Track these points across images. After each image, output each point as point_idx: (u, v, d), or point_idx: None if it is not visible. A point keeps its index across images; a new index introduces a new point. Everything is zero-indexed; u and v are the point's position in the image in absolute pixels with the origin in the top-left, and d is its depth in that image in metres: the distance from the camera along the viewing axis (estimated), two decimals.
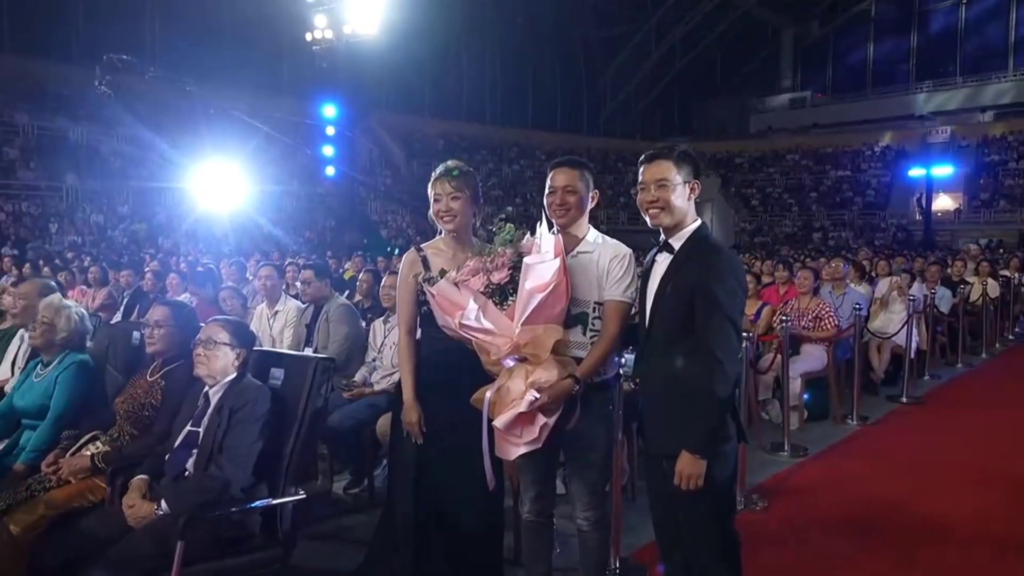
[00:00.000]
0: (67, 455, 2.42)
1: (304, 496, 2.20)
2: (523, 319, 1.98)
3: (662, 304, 1.99)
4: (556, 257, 2.01)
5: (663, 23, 29.73)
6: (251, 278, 6.05)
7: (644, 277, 2.12)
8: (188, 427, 2.22)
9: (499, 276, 2.05)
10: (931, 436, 4.97)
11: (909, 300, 5.77)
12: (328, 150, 16.74)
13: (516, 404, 2.00)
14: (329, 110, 16.60)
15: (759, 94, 33.34)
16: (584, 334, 2.17)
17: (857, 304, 5.19)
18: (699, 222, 2.05)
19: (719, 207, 29.59)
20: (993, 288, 8.15)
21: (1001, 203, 25.93)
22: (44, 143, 18.41)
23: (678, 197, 1.98)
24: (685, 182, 2.00)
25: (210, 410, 2.20)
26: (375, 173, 23.28)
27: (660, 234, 2.07)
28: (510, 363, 2.03)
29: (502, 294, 2.06)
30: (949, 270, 8.20)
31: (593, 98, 31.77)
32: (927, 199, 23.97)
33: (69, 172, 17.91)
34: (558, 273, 2.00)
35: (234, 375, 2.25)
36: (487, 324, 2.00)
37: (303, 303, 4.16)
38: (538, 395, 2.00)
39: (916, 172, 25.24)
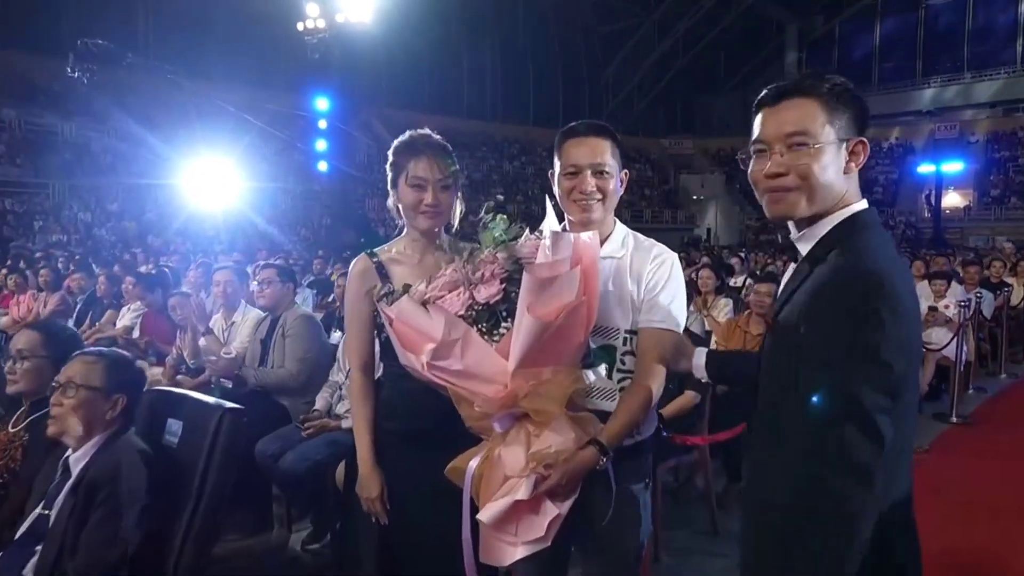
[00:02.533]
0: None
1: None
2: (523, 357, 1.33)
3: (767, 341, 1.25)
4: (575, 266, 1.35)
5: (666, 18, 29.15)
6: (254, 283, 5.35)
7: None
8: (38, 509, 1.57)
9: (488, 292, 1.39)
10: (990, 465, 4.30)
11: (961, 306, 5.11)
12: (321, 144, 16.16)
13: (513, 487, 1.35)
14: (321, 103, 16.05)
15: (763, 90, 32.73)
16: (610, 376, 1.52)
17: None
18: (853, 209, 1.17)
19: (724, 205, 29.06)
20: None
21: (1012, 200, 25.49)
22: (32, 139, 18.11)
23: (827, 167, 1.13)
24: (841, 140, 1.14)
25: (67, 486, 1.55)
26: (373, 170, 22.70)
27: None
28: (502, 426, 1.38)
29: (492, 319, 1.40)
30: (987, 271, 7.52)
31: (595, 94, 31.12)
32: (936, 196, 23.36)
33: (57, 169, 17.54)
34: (578, 290, 1.34)
35: (105, 434, 1.60)
36: (469, 365, 1.35)
37: (263, 311, 3.51)
38: (546, 472, 1.35)
39: (925, 168, 24.65)
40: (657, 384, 1.50)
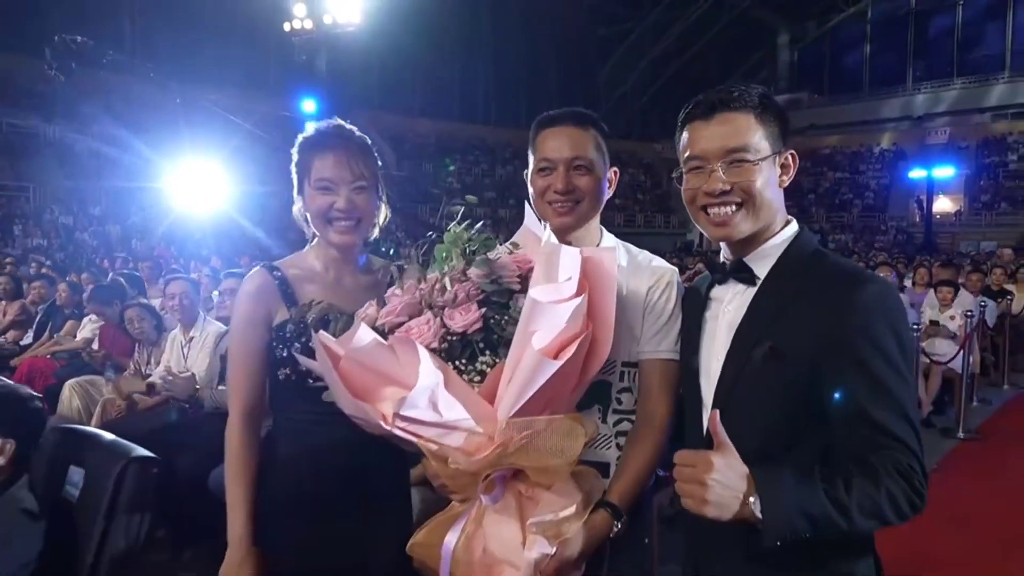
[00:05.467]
0: None
1: None
2: (523, 402, 1.03)
3: (742, 388, 1.08)
4: (581, 292, 1.07)
5: (659, 22, 29.13)
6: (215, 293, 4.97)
7: (690, 330, 1.22)
8: None
9: (465, 319, 1.08)
10: (1002, 483, 4.04)
11: (967, 317, 4.91)
12: None
13: (508, 571, 1.07)
14: (308, 105, 15.76)
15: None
16: (605, 419, 1.27)
17: (915, 325, 4.30)
18: (795, 225, 1.17)
19: None
20: None
21: (1002, 205, 25.56)
22: (13, 141, 17.84)
23: (767, 183, 1.10)
24: (775, 152, 1.12)
25: None
26: None
27: (696, 238, 1.16)
28: (493, 497, 1.09)
29: (466, 353, 1.10)
30: (988, 279, 7.33)
31: (589, 97, 30.98)
32: (928, 201, 23.36)
33: (38, 171, 17.29)
34: (584, 319, 1.07)
35: None
36: (449, 414, 1.04)
37: (226, 323, 3.25)
38: (550, 549, 1.07)
39: (916, 174, 24.66)
40: (667, 425, 1.25)
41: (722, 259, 1.19)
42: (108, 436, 1.45)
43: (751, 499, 0.90)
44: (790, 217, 1.16)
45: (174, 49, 19.77)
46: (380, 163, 1.41)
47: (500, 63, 28.45)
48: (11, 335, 5.15)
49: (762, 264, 1.12)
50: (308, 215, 1.37)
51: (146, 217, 17.19)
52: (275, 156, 19.43)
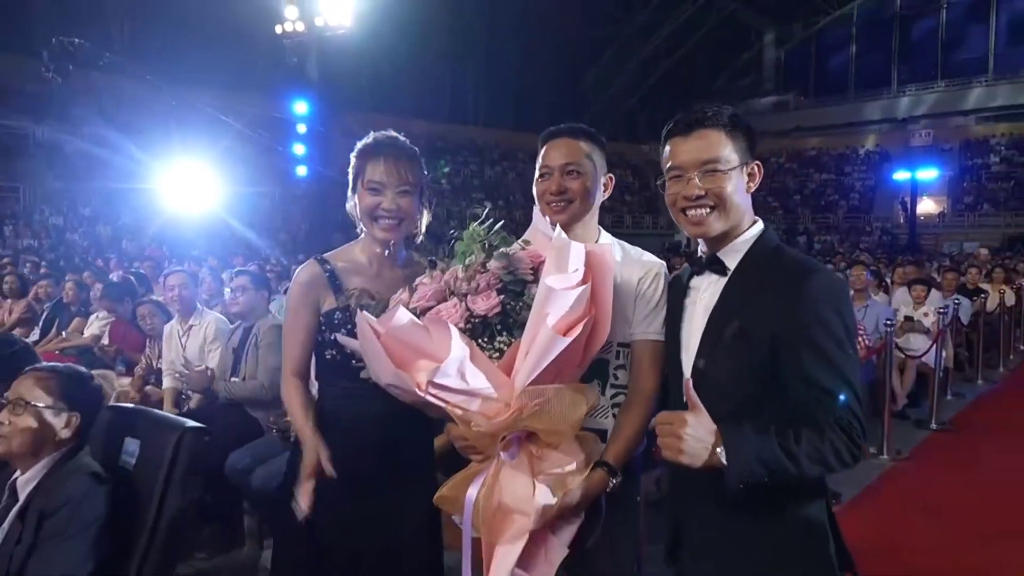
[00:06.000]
0: None
1: None
2: (537, 374, 1.22)
3: (714, 361, 1.28)
4: (585, 281, 1.27)
5: (647, 24, 29.37)
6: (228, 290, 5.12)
7: (673, 314, 1.43)
8: None
9: (486, 304, 1.27)
10: (973, 474, 4.23)
11: (940, 313, 5.14)
12: (299, 149, 16.00)
13: (518, 519, 1.26)
14: (300, 107, 15.87)
15: (742, 96, 33.11)
16: (603, 392, 1.47)
17: (889, 320, 4.53)
18: (760, 224, 1.36)
19: None
20: (1010, 297, 7.62)
21: (985, 206, 25.98)
22: (4, 142, 17.80)
23: (736, 189, 1.30)
24: (743, 163, 1.31)
25: (13, 511, 1.44)
26: None
27: (684, 240, 1.36)
28: (512, 454, 1.28)
29: (486, 333, 1.28)
30: (964, 278, 7.61)
31: (577, 99, 31.25)
32: (912, 203, 23.76)
33: (28, 172, 17.21)
34: (587, 304, 1.26)
35: (56, 455, 1.49)
36: (473, 383, 1.23)
37: (233, 319, 3.42)
38: (553, 499, 1.26)
39: (901, 175, 25.04)
40: (656, 398, 1.45)
41: (699, 254, 1.40)
42: (157, 412, 1.62)
43: (718, 449, 1.10)
44: (757, 217, 1.36)
45: (165, 51, 19.71)
46: (426, 172, 1.59)
47: (489, 65, 28.60)
48: (18, 332, 5.26)
49: (732, 258, 1.33)
50: (358, 212, 1.56)
51: (137, 218, 17.18)
52: (266, 157, 19.55)
